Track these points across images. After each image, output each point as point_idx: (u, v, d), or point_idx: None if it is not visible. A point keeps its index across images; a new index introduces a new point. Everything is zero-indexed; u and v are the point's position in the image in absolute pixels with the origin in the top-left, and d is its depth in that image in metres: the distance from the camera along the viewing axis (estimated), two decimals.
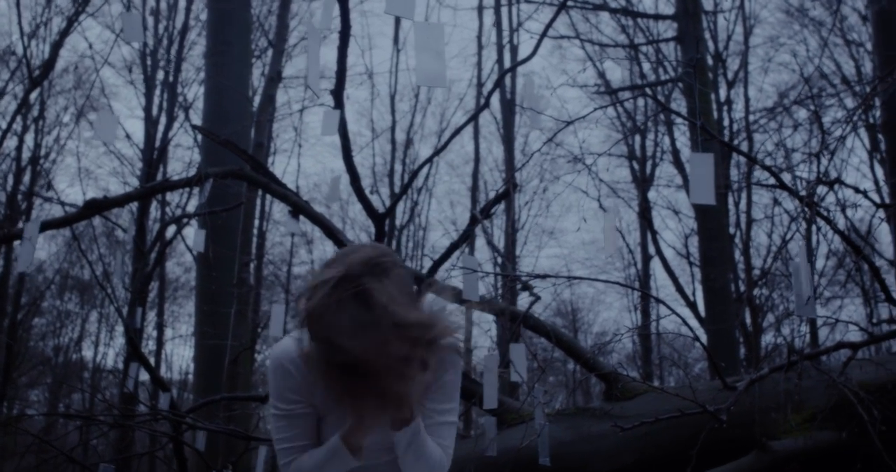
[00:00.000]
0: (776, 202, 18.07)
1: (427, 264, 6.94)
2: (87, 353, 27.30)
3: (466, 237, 6.61)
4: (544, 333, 5.84)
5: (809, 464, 5.03)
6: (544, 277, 4.85)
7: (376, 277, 2.22)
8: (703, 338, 14.58)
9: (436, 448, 2.40)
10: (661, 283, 32.95)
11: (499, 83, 6.96)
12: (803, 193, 4.82)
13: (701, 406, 4.28)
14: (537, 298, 5.56)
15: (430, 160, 7.65)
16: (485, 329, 22.13)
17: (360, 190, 6.76)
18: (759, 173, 16.30)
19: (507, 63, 20.62)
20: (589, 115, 5.31)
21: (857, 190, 5.91)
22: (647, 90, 16.15)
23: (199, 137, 15.67)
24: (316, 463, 2.38)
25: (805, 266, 3.31)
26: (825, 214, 4.77)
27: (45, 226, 6.88)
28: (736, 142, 18.58)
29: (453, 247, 6.60)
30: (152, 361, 21.51)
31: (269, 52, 17.26)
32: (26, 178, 20.49)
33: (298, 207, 7.06)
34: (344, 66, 6.39)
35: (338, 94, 6.38)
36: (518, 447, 5.12)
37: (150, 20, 20.91)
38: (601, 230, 4.55)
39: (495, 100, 21.74)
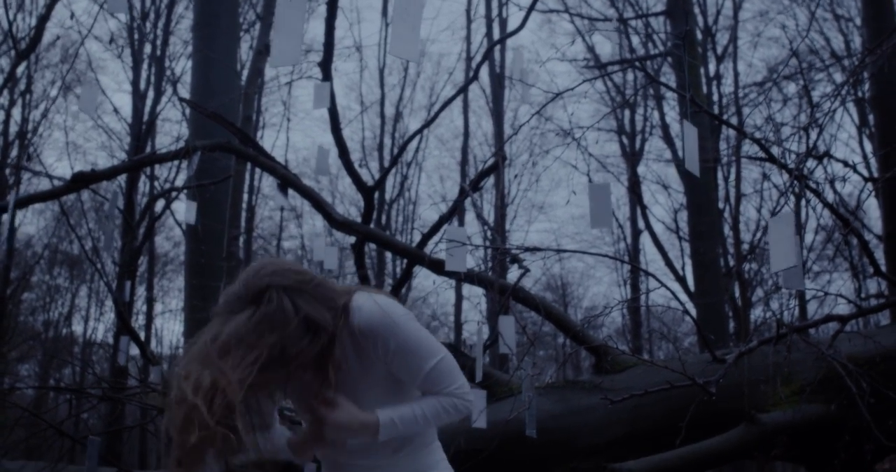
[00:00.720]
0: (765, 177, 18.10)
1: (417, 237, 6.92)
2: (78, 328, 27.25)
3: (455, 210, 6.60)
4: (533, 305, 5.83)
5: (798, 436, 5.05)
6: (534, 249, 4.84)
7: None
8: (693, 312, 14.62)
9: (439, 409, 2.39)
10: (650, 257, 33.06)
11: (487, 56, 6.93)
12: (792, 166, 4.81)
13: (690, 379, 4.28)
14: (526, 270, 5.55)
15: (419, 132, 7.64)
16: (474, 303, 22.19)
17: (349, 162, 6.74)
18: (748, 148, 16.30)
19: (497, 36, 20.53)
20: (577, 87, 5.27)
21: (846, 164, 5.90)
22: (637, 64, 16.07)
23: (188, 110, 15.60)
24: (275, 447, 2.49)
25: (792, 236, 3.29)
26: (814, 187, 4.76)
27: (32, 199, 6.85)
28: (725, 116, 18.57)
29: (442, 220, 6.59)
30: (142, 336, 21.49)
31: (258, 26, 17.17)
32: (14, 153, 20.40)
33: (287, 181, 7.02)
34: (332, 38, 6.37)
35: (326, 66, 6.35)
36: (506, 420, 5.12)
37: None
38: (604, 206, 4.52)
39: (485, 74, 21.69)
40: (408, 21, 3.30)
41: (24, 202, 6.77)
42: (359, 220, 6.98)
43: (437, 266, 5.94)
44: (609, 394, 4.92)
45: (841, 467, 4.68)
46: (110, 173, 6.95)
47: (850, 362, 4.89)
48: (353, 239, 7.00)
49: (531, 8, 6.64)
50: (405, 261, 7.39)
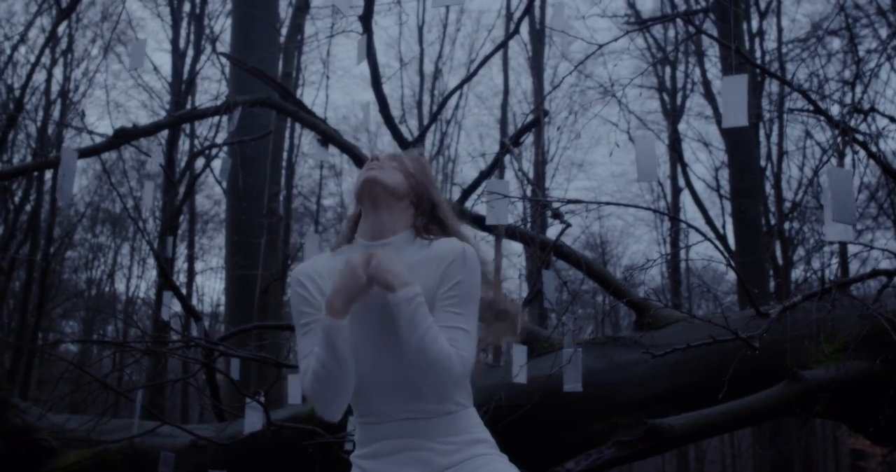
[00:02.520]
0: (808, 134, 17.85)
1: (457, 194, 6.91)
2: (120, 285, 27.58)
3: (496, 165, 6.57)
4: (574, 261, 5.82)
5: (841, 393, 5.01)
6: (575, 202, 4.81)
7: None
8: (732, 271, 14.54)
9: (444, 344, 2.30)
10: (690, 216, 32.72)
11: (527, 10, 6.87)
12: (839, 119, 4.74)
13: (734, 333, 4.25)
14: (568, 225, 5.51)
15: (458, 88, 7.60)
16: (512, 262, 22.18)
17: (390, 117, 6.72)
18: (791, 104, 16.10)
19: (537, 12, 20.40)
20: (616, 42, 5.20)
21: (892, 119, 5.82)
22: (679, 17, 15.87)
23: (227, 69, 15.61)
24: (318, 355, 2.35)
25: (852, 191, 3.23)
26: (864, 141, 4.68)
27: (82, 153, 6.90)
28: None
29: (483, 176, 6.56)
30: (184, 292, 21.69)
31: None
32: (57, 111, 20.54)
33: (327, 136, 7.03)
34: None
35: (366, 19, 6.32)
36: (548, 375, 5.13)
37: None
38: (630, 162, 4.48)
39: (525, 31, 21.52)
40: None
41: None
42: None
43: (477, 221, 5.93)
44: (650, 350, 4.90)
45: (885, 423, 4.64)
46: (152, 129, 6.99)
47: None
48: None
49: None
50: None
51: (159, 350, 6.05)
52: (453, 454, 2.39)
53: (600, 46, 5.25)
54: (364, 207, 2.56)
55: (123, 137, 6.73)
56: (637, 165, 3.87)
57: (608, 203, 4.94)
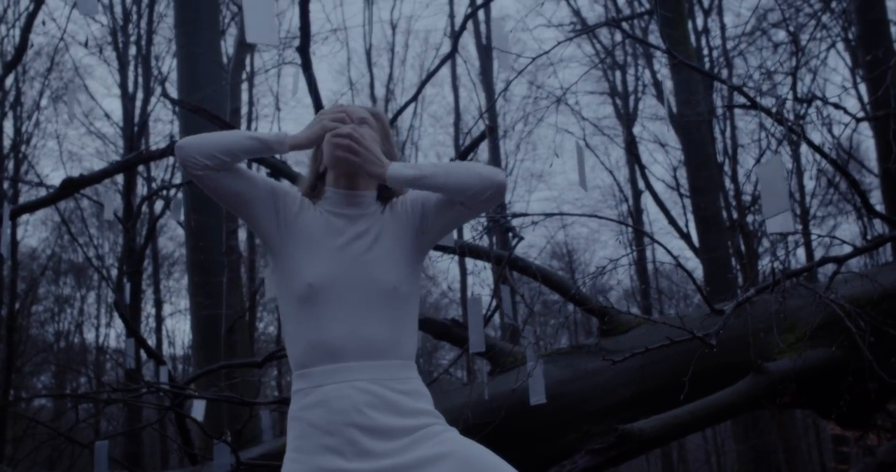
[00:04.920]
0: (762, 127, 17.98)
1: None
2: (89, 335, 27.32)
3: None
4: (531, 273, 5.82)
5: (805, 382, 5.04)
6: (521, 215, 4.81)
7: None
8: (700, 267, 14.59)
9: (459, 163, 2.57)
10: (653, 217, 32.92)
11: (463, 26, 6.87)
12: (782, 113, 4.77)
13: (689, 332, 4.26)
14: (520, 238, 5.52)
15: (404, 108, 7.59)
16: (482, 278, 22.16)
17: None
18: (739, 99, 16.18)
19: (481, 10, 20.42)
20: (555, 49, 5.22)
21: (835, 105, 5.86)
22: (620, 23, 15.97)
23: (178, 108, 15.55)
24: (239, 140, 2.51)
25: (784, 180, 3.25)
26: (799, 130, 4.72)
27: (23, 209, 6.84)
28: (716, 69, 18.45)
29: None
30: (154, 338, 21.55)
31: (239, 18, 17.09)
32: (10, 165, 20.39)
33: (276, 169, 7.00)
34: (307, 22, 6.32)
35: (304, 50, 6.31)
36: (512, 389, 5.11)
37: None
38: (590, 167, 4.50)
39: (472, 46, 21.60)
40: (261, 6, 3.23)
41: (16, 212, 6.76)
42: None
43: None
44: (613, 356, 4.90)
45: (847, 408, 4.66)
46: (99, 176, 6.94)
47: (851, 303, 4.87)
48: None
49: None
50: None
51: (118, 399, 5.98)
52: (416, 413, 2.43)
53: (541, 54, 5.26)
54: (337, 173, 2.64)
55: (71, 186, 6.68)
56: (579, 174, 3.88)
57: (553, 214, 4.94)
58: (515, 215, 4.85)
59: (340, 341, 2.44)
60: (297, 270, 2.52)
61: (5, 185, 19.86)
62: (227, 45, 17.39)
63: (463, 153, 6.42)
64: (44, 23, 18.11)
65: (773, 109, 4.52)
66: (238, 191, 2.54)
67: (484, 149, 21.76)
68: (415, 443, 2.35)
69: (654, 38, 18.89)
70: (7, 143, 20.19)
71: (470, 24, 20.49)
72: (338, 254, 2.52)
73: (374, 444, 2.34)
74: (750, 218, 17.78)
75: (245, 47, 13.92)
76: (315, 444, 2.38)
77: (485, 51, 20.99)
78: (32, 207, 6.79)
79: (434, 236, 2.65)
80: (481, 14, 20.24)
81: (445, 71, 21.72)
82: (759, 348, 5.17)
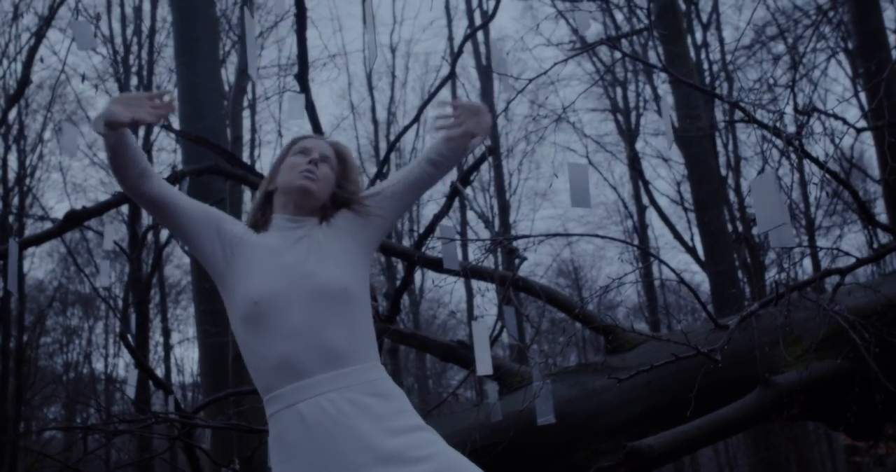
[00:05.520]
0: (764, 139, 17.95)
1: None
2: (98, 365, 27.32)
3: (449, 207, 6.57)
4: (535, 293, 5.82)
5: (813, 394, 5.02)
6: (522, 237, 4.82)
7: None
8: (706, 281, 14.57)
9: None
10: (658, 232, 32.87)
11: (461, 48, 6.92)
12: (782, 127, 4.78)
13: (694, 348, 4.25)
14: (523, 259, 5.53)
15: (405, 131, 7.63)
16: (489, 298, 22.17)
17: None
18: (740, 113, 16.15)
19: (480, 31, 20.50)
20: (553, 68, 5.25)
21: (835, 116, 5.87)
22: (617, 41, 15.99)
23: (181, 138, 15.60)
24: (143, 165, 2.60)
25: (776, 194, 3.25)
26: (798, 144, 4.72)
27: (27, 242, 6.86)
28: (717, 83, 18.47)
29: (436, 218, 6.56)
30: (163, 366, 21.55)
31: (238, 47, 17.19)
32: (15, 199, 20.46)
33: (239, 179, 7.02)
34: (305, 50, 6.35)
35: (302, 77, 6.34)
36: (521, 410, 5.10)
37: (118, 27, 20.84)
38: (593, 184, 4.50)
39: (472, 68, 21.65)
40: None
41: (22, 246, 6.77)
42: None
43: (434, 264, 5.93)
44: (620, 373, 4.89)
45: (855, 419, 4.65)
46: (102, 209, 6.94)
47: (855, 314, 4.86)
48: None
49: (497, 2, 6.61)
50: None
51: (128, 430, 5.99)
52: (393, 416, 2.45)
53: (540, 75, 5.29)
54: (290, 200, 2.72)
55: (74, 219, 6.70)
56: (571, 193, 3.89)
57: (555, 235, 4.96)
58: (518, 237, 4.86)
59: (300, 354, 2.44)
60: (241, 290, 2.54)
61: (10, 219, 19.94)
62: (228, 73, 17.50)
63: (465, 175, 6.44)
64: (42, 60, 18.21)
65: (772, 124, 4.53)
66: (182, 223, 2.63)
67: (486, 169, 21.81)
68: (400, 451, 2.35)
69: (654, 53, 18.95)
70: (11, 176, 20.28)
71: (469, 46, 20.56)
72: (279, 268, 2.55)
73: (360, 455, 2.34)
74: (755, 231, 17.75)
75: (244, 75, 13.99)
76: (301, 466, 2.37)
77: (485, 71, 21.05)
78: (37, 240, 6.81)
79: (391, 215, 2.77)
80: (480, 35, 20.32)
81: (446, 92, 21.78)
82: (765, 361, 5.16)
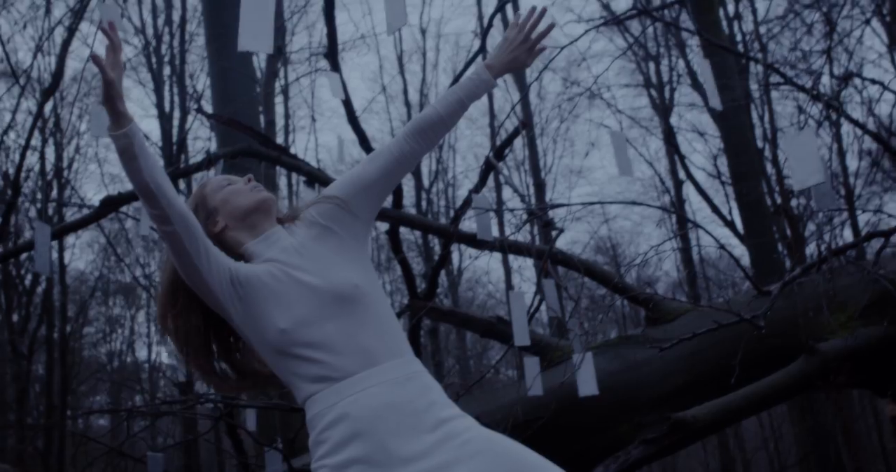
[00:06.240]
0: (800, 110, 17.76)
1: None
2: (142, 353, 27.55)
3: (484, 182, 6.53)
4: (573, 265, 5.77)
5: (861, 360, 4.95)
6: (559, 206, 4.77)
7: None
8: (746, 255, 14.45)
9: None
10: (696, 206, 32.69)
11: (492, 20, 6.85)
12: (819, 91, 4.70)
13: (737, 315, 4.19)
14: (560, 230, 5.49)
15: None
16: (526, 277, 22.12)
17: (370, 150, 6.70)
18: (777, 81, 16.00)
19: (511, 13, 20.39)
20: (584, 35, 5.19)
21: (872, 81, 5.78)
22: (653, 13, 15.84)
23: (215, 124, 15.65)
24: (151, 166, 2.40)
25: (815, 150, 3.18)
26: (838, 106, 4.64)
27: (65, 229, 6.89)
28: (750, 54, 18.27)
29: (471, 195, 6.53)
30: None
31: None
32: (54, 191, 20.63)
33: (312, 176, 7.01)
34: (333, 28, 6.32)
35: (332, 56, 6.31)
36: (561, 383, 5.07)
37: (149, 17, 20.92)
38: (617, 156, 4.44)
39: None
40: (259, 11, 3.19)
41: (59, 232, 6.81)
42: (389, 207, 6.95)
43: (470, 240, 5.90)
44: (661, 344, 4.84)
45: None
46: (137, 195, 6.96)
47: None
48: (387, 227, 6.98)
49: None
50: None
51: (170, 412, 6.01)
52: (432, 408, 2.41)
53: (571, 43, 5.22)
54: (258, 218, 2.64)
55: (110, 205, 6.73)
56: (616, 160, 3.84)
57: (592, 203, 4.91)
58: (554, 206, 4.81)
59: (338, 362, 2.40)
60: (264, 323, 2.47)
61: (50, 210, 20.11)
62: (260, 60, 17.51)
63: (499, 150, 6.39)
64: (90, 47, 18.24)
65: (809, 85, 4.45)
66: (210, 282, 2.49)
67: (521, 146, 21.73)
68: (441, 442, 2.31)
69: (687, 26, 18.76)
70: (49, 168, 20.45)
71: (499, 23, 20.46)
72: (287, 290, 2.48)
73: (403, 445, 2.30)
74: (794, 202, 17.59)
75: (275, 58, 13.98)
76: (344, 459, 2.32)
77: None
78: (75, 226, 6.85)
79: (371, 205, 2.69)
80: (511, 11, 20.21)
81: None
82: (809, 328, 5.10)
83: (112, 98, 2.34)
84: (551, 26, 2.78)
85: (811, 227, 17.89)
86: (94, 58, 2.33)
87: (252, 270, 2.52)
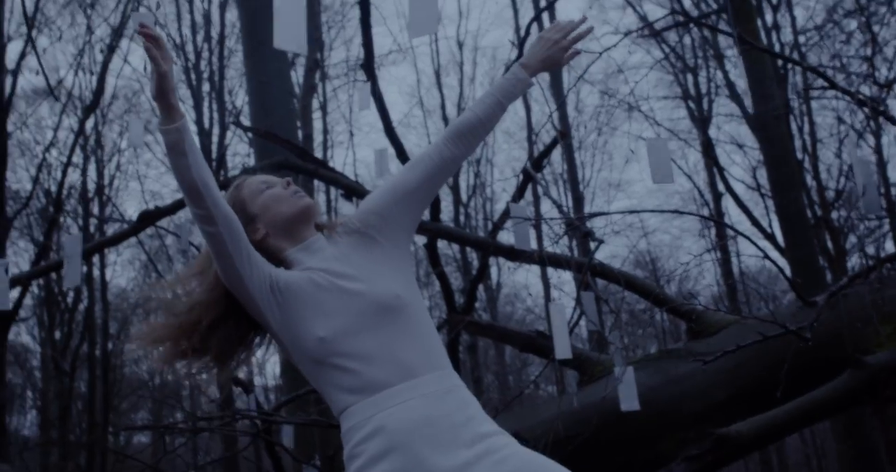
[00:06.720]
0: (840, 120, 17.60)
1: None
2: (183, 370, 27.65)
3: (522, 193, 6.48)
4: (613, 278, 5.70)
5: None
6: (598, 214, 4.71)
7: None
8: (787, 268, 14.30)
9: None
10: (735, 219, 32.36)
11: (528, 29, 6.81)
12: (860, 95, 4.61)
13: (782, 326, 4.10)
14: (600, 242, 5.41)
15: None
16: (566, 291, 21.98)
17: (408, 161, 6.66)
18: (814, 92, 15.87)
19: (547, 21, 20.32)
20: (621, 41, 5.13)
21: None
22: (691, 27, 15.76)
23: (254, 139, 15.71)
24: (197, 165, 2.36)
25: (861, 161, 3.11)
26: (884, 110, 4.54)
27: (104, 243, 6.92)
28: (789, 66, 18.14)
29: (510, 204, 6.48)
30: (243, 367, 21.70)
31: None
32: (95, 208, 20.82)
33: (350, 189, 6.99)
34: (370, 38, 6.29)
35: (368, 66, 6.29)
36: (603, 397, 4.99)
37: (188, 34, 21.10)
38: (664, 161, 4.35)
39: None
40: (293, 12, 3.16)
41: (95, 248, 6.83)
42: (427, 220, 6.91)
43: (508, 252, 5.84)
44: (704, 358, 4.75)
45: None
46: (174, 208, 6.98)
47: None
48: (424, 240, 6.94)
49: None
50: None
51: (207, 428, 6.00)
52: (469, 423, 2.36)
53: (608, 49, 5.15)
54: (300, 226, 2.61)
55: (147, 219, 6.75)
56: (651, 170, 3.77)
57: (632, 212, 4.83)
58: (593, 215, 4.75)
59: (376, 373, 2.36)
60: (303, 332, 2.43)
61: (92, 226, 20.28)
62: (298, 75, 17.58)
63: (537, 160, 6.34)
64: (127, 63, 18.42)
65: (853, 90, 4.37)
66: (250, 287, 2.46)
67: (559, 159, 21.65)
68: (477, 458, 2.26)
69: (723, 38, 18.66)
70: (91, 186, 20.63)
71: (536, 32, 20.36)
72: (328, 298, 2.44)
73: (439, 460, 2.25)
74: (835, 214, 17.41)
75: (312, 72, 14.02)
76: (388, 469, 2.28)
77: None
78: (113, 241, 6.87)
79: (411, 216, 2.65)
80: (546, 21, 20.17)
81: None
82: (855, 341, 4.99)
83: (165, 91, 2.29)
84: (590, 29, 2.74)
85: (852, 239, 17.70)
86: (146, 49, 2.28)
87: (292, 277, 2.48)
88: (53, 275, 16.00)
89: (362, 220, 2.59)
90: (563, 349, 4.47)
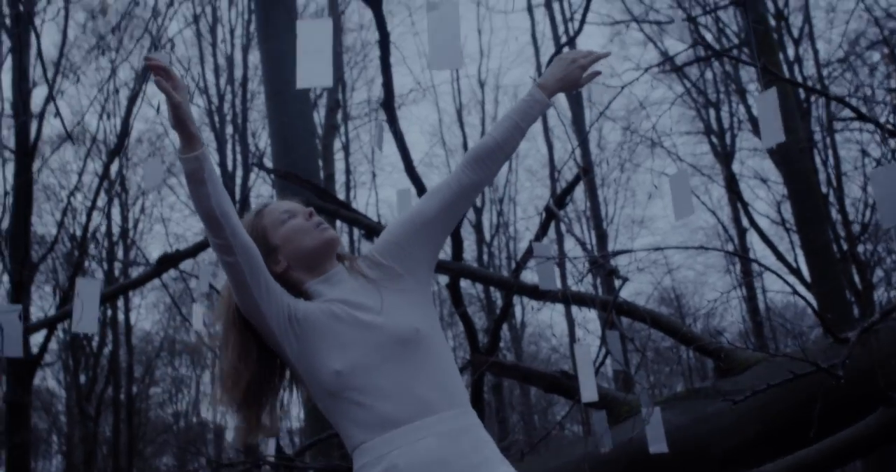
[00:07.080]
0: (864, 153, 17.48)
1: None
2: (208, 414, 27.69)
3: (546, 231, 6.42)
4: (638, 316, 5.63)
5: None
6: (622, 252, 4.65)
7: None
8: (814, 303, 14.15)
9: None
10: (760, 254, 32.22)
11: (550, 63, 6.77)
12: (888, 124, 4.55)
13: (813, 364, 4.02)
14: (625, 279, 5.35)
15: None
16: (590, 329, 21.88)
17: None
18: (839, 124, 15.80)
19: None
20: (643, 74, 5.11)
21: None
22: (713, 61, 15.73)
23: (276, 180, 15.74)
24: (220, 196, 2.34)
25: (877, 171, 3.05)
26: None
27: (122, 288, 6.89)
28: (813, 97, 18.08)
29: (533, 243, 6.43)
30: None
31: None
32: (120, 252, 20.89)
33: (371, 229, 6.96)
34: (389, 76, 6.27)
35: (388, 105, 6.26)
36: (630, 438, 4.91)
37: (211, 77, 21.25)
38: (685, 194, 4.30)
39: (562, 96, 21.49)
40: (446, 30, 3.16)
41: (114, 292, 6.81)
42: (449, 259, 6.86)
43: (532, 291, 5.78)
44: (732, 397, 4.67)
45: None
46: (194, 251, 6.97)
47: None
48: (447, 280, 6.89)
49: (584, 15, 6.49)
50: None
51: None
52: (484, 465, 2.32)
53: (631, 82, 5.13)
54: (323, 259, 2.57)
55: (167, 262, 6.73)
56: (673, 204, 3.71)
57: (656, 249, 4.78)
58: (617, 253, 4.69)
59: (392, 409, 2.31)
60: (319, 364, 2.38)
61: (116, 270, 20.34)
62: (321, 116, 17.63)
63: (559, 197, 6.29)
64: (157, 110, 18.54)
65: (882, 121, 4.31)
66: (268, 316, 2.42)
67: (582, 197, 21.59)
68: None
69: (745, 72, 18.63)
70: (115, 230, 20.73)
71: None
72: (346, 331, 2.39)
73: None
74: (861, 248, 17.26)
75: (333, 112, 14.06)
76: None
77: (575, 99, 20.86)
78: (133, 285, 6.86)
79: (428, 243, 2.59)
80: None
81: (537, 123, 21.65)
82: (887, 377, 4.88)
83: (182, 120, 2.27)
84: (607, 53, 2.70)
85: (879, 273, 17.53)
86: (156, 82, 2.26)
87: (311, 308, 2.44)
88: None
89: (381, 251, 2.55)
90: (589, 392, 4.40)
